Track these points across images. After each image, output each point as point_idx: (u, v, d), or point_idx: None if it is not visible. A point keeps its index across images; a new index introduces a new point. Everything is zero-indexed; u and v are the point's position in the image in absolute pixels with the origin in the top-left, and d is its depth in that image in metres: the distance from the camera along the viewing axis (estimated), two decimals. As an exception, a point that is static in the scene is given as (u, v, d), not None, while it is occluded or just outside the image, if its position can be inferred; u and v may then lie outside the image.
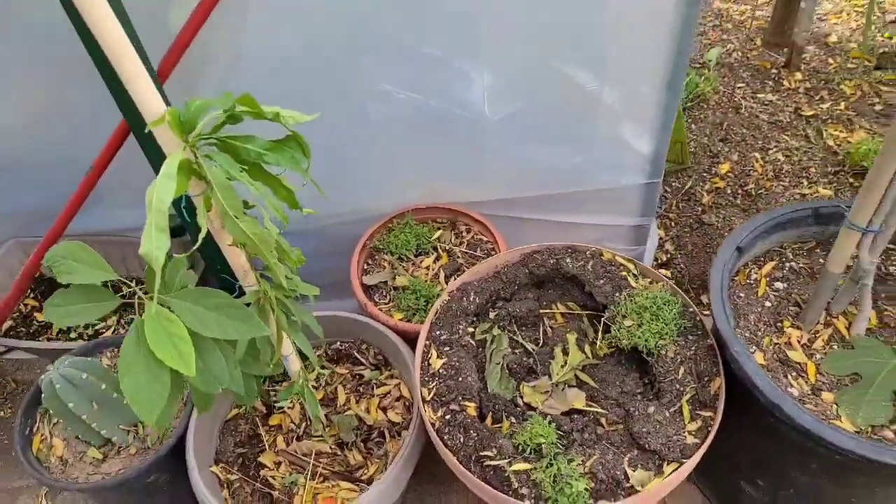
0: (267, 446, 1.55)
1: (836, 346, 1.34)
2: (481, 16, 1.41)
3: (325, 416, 1.55)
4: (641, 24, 1.39)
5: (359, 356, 1.67)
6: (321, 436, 1.54)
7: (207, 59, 1.42)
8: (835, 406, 1.24)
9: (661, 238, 2.28)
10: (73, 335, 1.89)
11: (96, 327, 1.92)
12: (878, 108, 2.69)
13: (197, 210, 0.87)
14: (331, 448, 1.53)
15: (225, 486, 1.46)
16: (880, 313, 1.38)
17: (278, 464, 1.53)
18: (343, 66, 1.50)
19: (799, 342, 1.35)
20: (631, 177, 1.70)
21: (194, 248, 0.85)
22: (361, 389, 1.63)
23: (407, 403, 1.59)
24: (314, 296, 1.17)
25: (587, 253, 1.54)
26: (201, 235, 0.90)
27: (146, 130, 0.77)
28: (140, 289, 0.99)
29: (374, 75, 1.52)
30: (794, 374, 1.30)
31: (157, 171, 1.35)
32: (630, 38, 1.42)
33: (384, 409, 1.58)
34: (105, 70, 1.19)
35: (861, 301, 1.30)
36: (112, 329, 1.88)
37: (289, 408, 1.61)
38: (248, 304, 1.05)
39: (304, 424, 1.59)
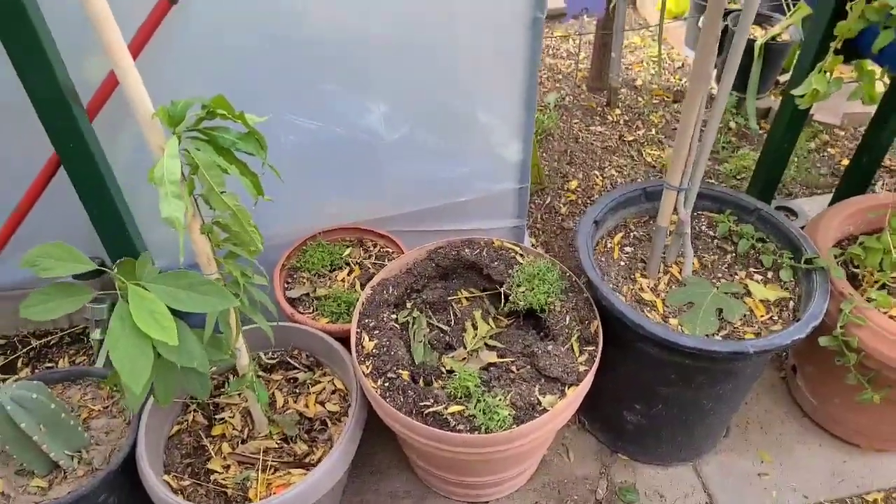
0: (213, 454, 1.63)
1: (673, 287, 1.75)
2: (367, 58, 1.71)
3: (267, 418, 1.68)
4: (499, 59, 1.78)
5: (291, 361, 1.82)
6: (265, 435, 1.66)
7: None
8: (680, 327, 1.63)
9: (532, 244, 2.68)
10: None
11: None
12: (679, 131, 3.38)
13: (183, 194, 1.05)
14: (277, 444, 1.65)
15: (178, 492, 1.52)
16: (699, 259, 1.83)
17: (227, 467, 1.61)
18: (252, 106, 1.71)
19: (648, 287, 1.75)
20: (505, 183, 2.07)
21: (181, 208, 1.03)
22: (298, 390, 1.78)
23: (342, 394, 1.76)
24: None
25: (481, 243, 1.86)
26: (186, 212, 1.08)
27: (151, 117, 0.96)
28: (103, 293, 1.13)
29: (282, 109, 1.76)
30: (648, 308, 1.68)
31: (85, 202, 1.49)
32: (492, 70, 1.80)
33: (322, 403, 1.74)
34: (47, 104, 1.32)
35: (685, 249, 1.73)
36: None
37: (230, 417, 1.71)
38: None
39: (246, 430, 1.70)
